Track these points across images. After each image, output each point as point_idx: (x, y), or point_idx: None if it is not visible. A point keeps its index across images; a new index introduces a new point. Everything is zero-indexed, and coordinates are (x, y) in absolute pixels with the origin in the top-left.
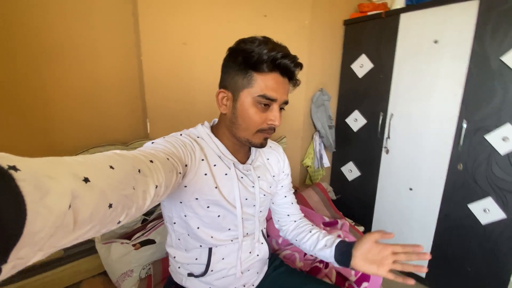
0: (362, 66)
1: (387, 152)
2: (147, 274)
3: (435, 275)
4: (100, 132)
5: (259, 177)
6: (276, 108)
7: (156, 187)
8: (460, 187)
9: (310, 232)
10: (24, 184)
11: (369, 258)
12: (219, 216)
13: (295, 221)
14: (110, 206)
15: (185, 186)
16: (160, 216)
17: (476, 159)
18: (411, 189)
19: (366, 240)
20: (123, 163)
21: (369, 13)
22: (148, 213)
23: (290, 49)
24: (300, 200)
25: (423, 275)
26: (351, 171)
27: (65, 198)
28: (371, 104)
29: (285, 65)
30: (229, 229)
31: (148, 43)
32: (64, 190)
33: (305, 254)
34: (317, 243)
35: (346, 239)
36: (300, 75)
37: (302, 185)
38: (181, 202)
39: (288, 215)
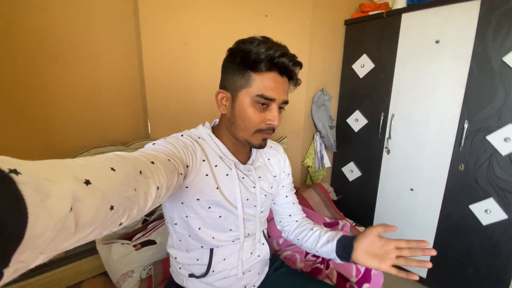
0: (363, 66)
1: (388, 152)
2: (147, 275)
3: (436, 276)
4: (100, 132)
5: (260, 177)
6: (275, 108)
7: (158, 188)
8: (461, 187)
9: (312, 230)
10: (25, 188)
11: (371, 252)
12: (220, 216)
13: (297, 221)
14: (112, 208)
15: (187, 187)
16: (160, 217)
17: (478, 160)
18: (412, 189)
19: (368, 234)
20: (124, 164)
21: (370, 13)
22: (149, 214)
23: (290, 49)
24: (301, 200)
25: (424, 275)
26: (352, 171)
27: (66, 201)
28: (372, 104)
29: (283, 63)
30: (230, 230)
31: (148, 43)
32: (65, 193)
33: (306, 255)
34: (318, 239)
35: (349, 234)
36: (301, 75)
37: (302, 185)
38: (182, 203)
39: (290, 215)
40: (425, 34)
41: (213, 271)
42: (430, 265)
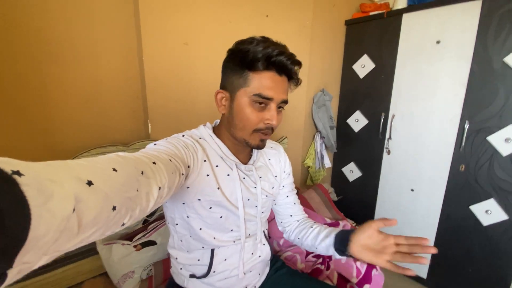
0: (363, 66)
1: (388, 152)
2: (148, 276)
3: (436, 276)
4: (100, 133)
5: (260, 177)
6: (273, 107)
7: (159, 189)
8: (461, 188)
9: (312, 227)
10: (28, 189)
11: (368, 245)
12: (221, 217)
13: (298, 221)
14: (114, 208)
15: (188, 187)
16: (161, 217)
17: (478, 160)
18: (412, 190)
19: (367, 227)
20: (126, 165)
21: (371, 13)
22: (149, 214)
23: (291, 49)
24: (301, 201)
25: (425, 276)
26: (352, 171)
27: (68, 202)
28: (372, 104)
29: (280, 62)
30: (232, 230)
31: (149, 43)
32: (68, 194)
33: (307, 255)
34: (318, 236)
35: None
36: (302, 75)
37: (303, 185)
38: (183, 203)
39: (291, 215)
40: (425, 34)
41: (214, 272)
42: (425, 261)
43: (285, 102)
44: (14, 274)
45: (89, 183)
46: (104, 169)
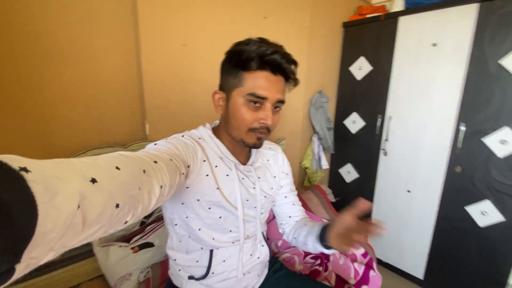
0: (360, 68)
1: (385, 154)
2: (145, 278)
3: (433, 277)
4: (98, 134)
5: (259, 178)
6: (268, 107)
7: (161, 187)
8: (458, 189)
9: (305, 225)
10: (35, 185)
11: (340, 233)
12: (220, 217)
13: (296, 222)
14: (117, 206)
15: (187, 187)
16: (159, 219)
17: (474, 162)
18: (409, 191)
19: (341, 216)
20: (129, 163)
21: (368, 16)
22: (147, 216)
23: (289, 50)
24: None
25: (422, 276)
26: (349, 172)
27: (73, 199)
28: (369, 106)
29: (274, 61)
30: (231, 231)
31: (147, 44)
32: (73, 191)
33: (305, 257)
34: (308, 231)
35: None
36: (299, 76)
37: (300, 186)
38: (182, 204)
39: (290, 216)
40: (422, 37)
41: (212, 273)
42: (384, 231)
43: (281, 102)
44: (21, 269)
45: (93, 180)
46: (107, 167)
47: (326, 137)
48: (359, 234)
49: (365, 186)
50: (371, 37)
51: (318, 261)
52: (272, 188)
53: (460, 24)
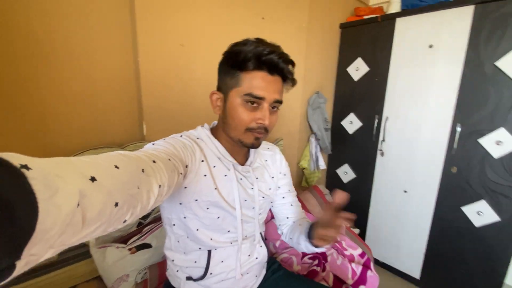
0: (358, 69)
1: (382, 154)
2: (143, 279)
3: (429, 277)
4: (95, 134)
5: (257, 178)
6: (265, 107)
7: (160, 187)
8: (454, 189)
9: (300, 225)
10: (36, 182)
11: (321, 229)
12: (218, 217)
13: (294, 222)
14: (116, 204)
15: (185, 187)
16: (156, 220)
17: (470, 162)
18: (405, 191)
19: (323, 212)
20: (128, 163)
21: (365, 17)
22: (144, 217)
23: (287, 51)
24: None
25: (418, 276)
26: (346, 173)
27: (73, 197)
28: (366, 107)
29: (271, 61)
30: (229, 231)
31: (145, 44)
32: (73, 189)
33: (302, 257)
34: (301, 231)
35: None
36: (297, 77)
37: (298, 187)
38: (180, 204)
39: (288, 217)
40: (418, 38)
41: (211, 274)
42: (352, 216)
43: (279, 102)
44: (22, 265)
45: (93, 179)
46: (106, 166)
47: (324, 138)
48: (330, 228)
49: (362, 187)
50: (368, 38)
51: (316, 262)
52: (270, 189)
53: (456, 26)
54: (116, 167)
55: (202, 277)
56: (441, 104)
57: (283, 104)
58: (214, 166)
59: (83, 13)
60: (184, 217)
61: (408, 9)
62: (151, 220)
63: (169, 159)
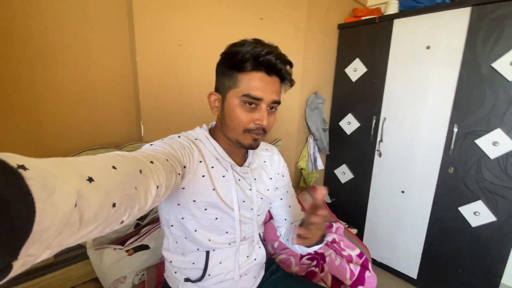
0: (355, 70)
1: (379, 155)
2: (140, 281)
3: (426, 277)
4: (92, 135)
5: (255, 179)
6: (263, 108)
7: (157, 187)
8: (451, 190)
9: (295, 226)
10: (33, 183)
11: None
12: (216, 218)
13: (291, 224)
14: (114, 205)
15: (183, 188)
16: (154, 221)
17: (467, 163)
18: (403, 191)
19: (307, 210)
20: (125, 163)
21: (363, 18)
22: (141, 218)
23: (285, 52)
24: None
25: (415, 276)
26: (344, 173)
27: (71, 197)
28: (364, 107)
29: (268, 61)
30: (227, 232)
31: (143, 44)
32: (70, 189)
33: (301, 258)
34: (294, 231)
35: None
36: (295, 78)
37: (296, 187)
38: (178, 204)
39: (286, 219)
40: (416, 39)
41: (209, 275)
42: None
43: (277, 102)
44: (18, 266)
45: (90, 179)
46: (104, 167)
47: (322, 138)
48: (308, 227)
49: (360, 187)
50: (366, 39)
51: (314, 262)
52: (268, 190)
53: (453, 27)
54: (114, 167)
55: (200, 278)
56: (439, 105)
57: (281, 105)
58: (212, 167)
59: (80, 13)
60: (182, 218)
61: (405, 10)
62: (149, 221)
63: (167, 160)
